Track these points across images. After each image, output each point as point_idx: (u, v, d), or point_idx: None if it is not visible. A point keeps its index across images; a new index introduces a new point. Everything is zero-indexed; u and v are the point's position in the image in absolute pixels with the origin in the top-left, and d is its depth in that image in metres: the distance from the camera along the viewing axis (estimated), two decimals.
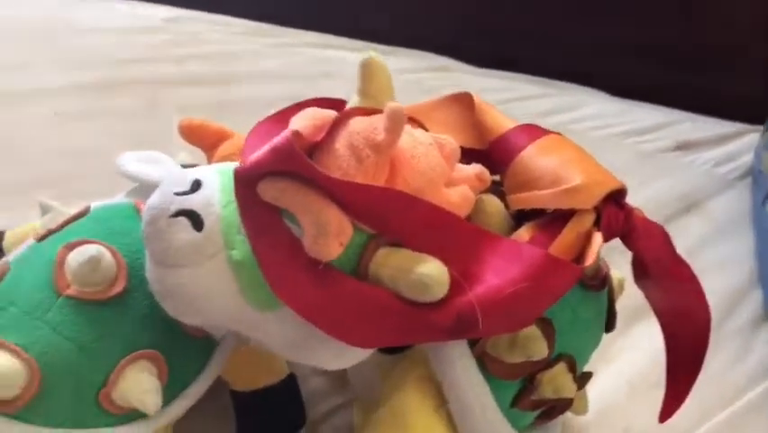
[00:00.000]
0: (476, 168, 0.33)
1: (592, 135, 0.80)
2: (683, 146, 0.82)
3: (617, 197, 0.34)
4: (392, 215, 0.29)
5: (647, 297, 0.39)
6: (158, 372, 0.35)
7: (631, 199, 0.75)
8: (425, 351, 0.34)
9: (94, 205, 0.39)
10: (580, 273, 0.31)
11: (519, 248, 0.30)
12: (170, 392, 0.37)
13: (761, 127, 0.82)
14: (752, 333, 0.61)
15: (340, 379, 0.48)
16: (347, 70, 0.77)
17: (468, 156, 0.35)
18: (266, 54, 0.79)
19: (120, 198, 0.42)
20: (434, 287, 0.28)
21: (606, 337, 0.58)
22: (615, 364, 0.56)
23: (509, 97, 0.81)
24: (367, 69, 0.33)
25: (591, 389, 0.53)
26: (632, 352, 0.56)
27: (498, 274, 0.29)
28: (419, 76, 0.80)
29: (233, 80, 0.72)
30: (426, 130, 0.33)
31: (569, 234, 0.32)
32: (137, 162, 0.42)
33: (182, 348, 0.37)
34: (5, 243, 0.45)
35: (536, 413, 0.39)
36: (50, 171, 0.59)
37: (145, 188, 0.41)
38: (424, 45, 0.89)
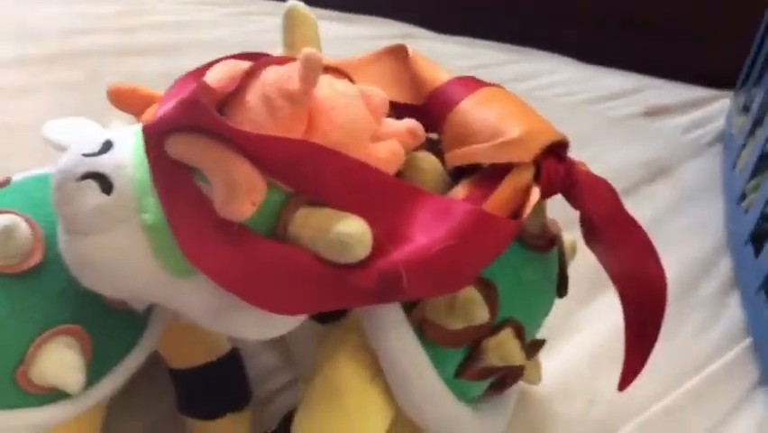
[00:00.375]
0: (408, 122, 0.31)
1: (560, 102, 0.79)
2: (652, 112, 0.80)
3: (557, 149, 0.32)
4: (310, 170, 0.27)
5: (599, 260, 0.37)
6: (81, 348, 0.33)
7: (598, 166, 0.73)
8: (359, 318, 0.33)
9: (15, 176, 0.37)
10: (514, 230, 0.29)
11: (449, 205, 0.28)
12: (97, 370, 0.35)
13: (731, 92, 0.81)
14: (721, 300, 0.60)
15: (288, 356, 0.46)
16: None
17: (404, 112, 0.33)
18: (221, 23, 0.76)
19: (47, 170, 0.39)
20: (355, 246, 0.26)
21: (568, 308, 0.57)
22: (578, 336, 0.54)
23: (474, 64, 0.79)
24: (290, 19, 0.31)
25: (554, 361, 0.52)
26: (595, 323, 0.55)
27: (425, 232, 0.27)
28: (379, 42, 0.78)
29: (181, 49, 0.70)
30: (353, 82, 0.31)
31: (506, 190, 0.30)
32: (62, 129, 0.40)
33: (108, 323, 0.35)
34: None
35: (486, 383, 0.38)
36: None
37: None
38: (392, 15, 0.87)
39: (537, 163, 0.31)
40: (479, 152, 0.31)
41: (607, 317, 0.55)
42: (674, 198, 0.68)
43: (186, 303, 0.29)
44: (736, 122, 0.74)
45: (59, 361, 0.32)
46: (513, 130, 0.31)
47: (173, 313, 0.38)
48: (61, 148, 0.39)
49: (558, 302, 0.56)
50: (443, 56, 0.82)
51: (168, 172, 0.28)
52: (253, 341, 0.47)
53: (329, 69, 0.30)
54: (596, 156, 0.71)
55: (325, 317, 0.34)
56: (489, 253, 0.28)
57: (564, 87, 0.82)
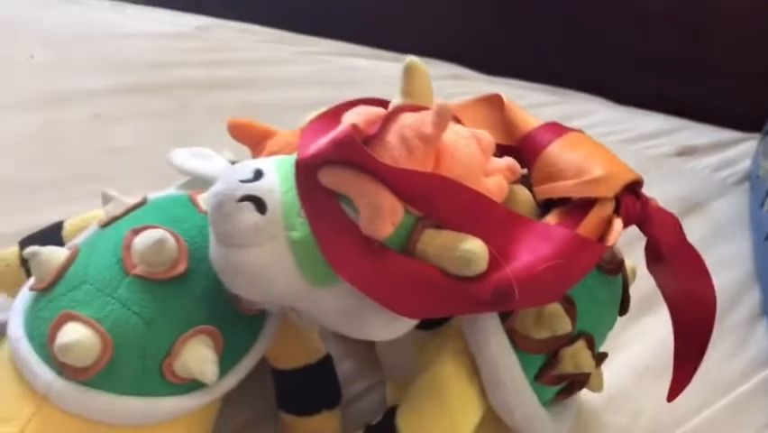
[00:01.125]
0: (507, 160, 0.37)
1: (602, 142, 0.84)
2: (684, 152, 0.86)
3: (634, 187, 0.38)
4: (437, 198, 0.32)
5: (658, 281, 0.42)
6: (214, 345, 0.39)
7: None
8: (459, 326, 0.38)
9: (150, 196, 0.43)
10: (603, 251, 0.35)
11: (549, 229, 0.34)
12: (224, 366, 0.40)
13: (758, 135, 0.86)
14: (749, 328, 0.65)
15: (369, 363, 0.51)
16: (371, 78, 0.81)
17: (499, 151, 0.39)
18: (293, 61, 0.83)
19: (173, 190, 0.45)
20: (476, 262, 0.31)
21: (617, 326, 0.62)
22: (625, 352, 0.59)
23: (522, 105, 0.85)
24: (410, 72, 0.37)
25: (604, 375, 0.57)
26: (641, 341, 0.60)
27: (531, 252, 0.33)
28: (438, 83, 0.84)
29: (259, 85, 0.76)
30: (463, 125, 0.37)
31: (592, 220, 0.35)
32: (189, 157, 0.46)
33: (235, 325, 0.40)
34: (65, 231, 0.48)
35: (557, 388, 0.43)
36: (91, 168, 0.62)
37: (196, 180, 0.45)
38: (438, 56, 0.93)
39: (617, 198, 0.37)
40: (567, 188, 0.36)
41: (650, 337, 0.59)
42: (706, 232, 0.73)
43: (322, 307, 0.35)
44: (763, 164, 0.79)
45: (199, 356, 0.37)
46: (597, 170, 0.36)
47: (285, 318, 0.43)
48: (188, 173, 0.45)
49: None
50: None
51: (317, 197, 0.33)
52: (346, 344, 0.52)
53: None
54: None
55: (427, 325, 0.40)
56: (582, 270, 0.34)
57: (603, 127, 0.87)
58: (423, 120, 0.32)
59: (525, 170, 0.40)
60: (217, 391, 0.40)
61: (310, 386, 0.46)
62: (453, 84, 0.86)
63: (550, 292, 0.33)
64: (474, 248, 0.31)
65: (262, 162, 0.37)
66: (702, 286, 0.40)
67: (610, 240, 0.35)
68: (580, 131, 0.40)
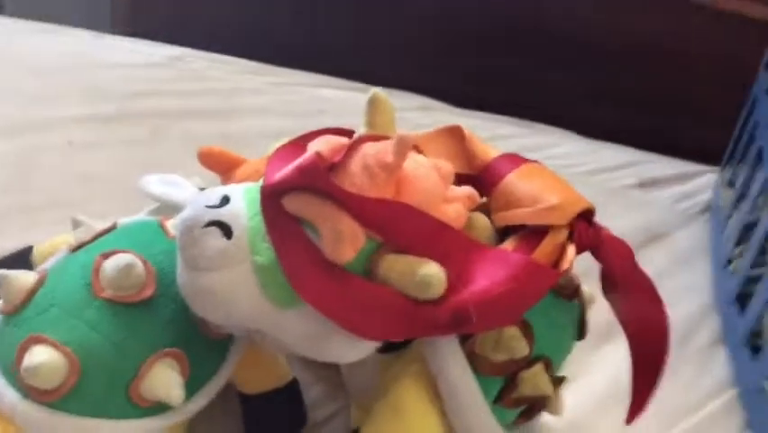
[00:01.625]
0: (466, 189, 0.38)
1: (563, 172, 0.85)
2: (646, 184, 0.88)
3: (587, 215, 0.39)
4: (398, 225, 0.34)
5: (613, 308, 0.44)
6: (180, 369, 0.39)
7: None
8: (420, 349, 0.39)
9: (120, 221, 0.44)
10: (557, 276, 0.36)
11: (505, 255, 0.35)
12: (191, 388, 0.41)
13: (717, 167, 0.89)
14: (709, 354, 0.66)
15: (337, 388, 0.52)
16: (340, 108, 0.83)
17: (459, 180, 0.40)
18: (264, 91, 0.84)
19: (143, 216, 0.46)
20: (435, 285, 0.33)
21: (579, 352, 0.63)
22: (587, 378, 0.60)
23: (486, 136, 0.86)
24: (374, 104, 0.38)
25: (570, 400, 0.58)
26: (602, 367, 0.61)
27: (487, 277, 0.34)
28: (406, 114, 0.86)
29: (231, 114, 0.77)
30: (425, 156, 0.39)
31: (547, 246, 0.37)
32: (160, 184, 0.47)
33: (201, 349, 0.41)
34: (34, 256, 0.49)
35: (517, 411, 0.44)
36: (63, 194, 0.62)
37: (166, 206, 0.46)
38: (409, 87, 0.95)
39: (571, 226, 0.39)
40: (524, 215, 0.38)
41: (611, 363, 0.60)
42: (667, 262, 0.75)
43: (286, 330, 0.36)
44: (722, 194, 0.82)
45: (165, 379, 0.38)
46: (552, 198, 0.38)
47: (254, 340, 0.44)
48: (158, 199, 0.46)
49: (576, 346, 0.62)
50: None
51: (282, 223, 0.34)
52: (314, 369, 0.53)
53: None
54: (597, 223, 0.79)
55: (389, 348, 0.41)
56: (536, 295, 0.35)
57: (567, 159, 0.89)
58: (384, 149, 0.34)
59: (484, 199, 0.41)
60: (183, 413, 0.41)
61: (276, 410, 0.47)
62: (421, 115, 0.88)
63: (506, 315, 0.35)
64: (432, 272, 0.33)
65: (230, 189, 0.38)
66: (655, 312, 0.41)
67: (564, 265, 0.36)
68: (537, 162, 0.42)
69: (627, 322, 0.43)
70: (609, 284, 0.42)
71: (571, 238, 0.38)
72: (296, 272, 0.34)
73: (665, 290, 0.72)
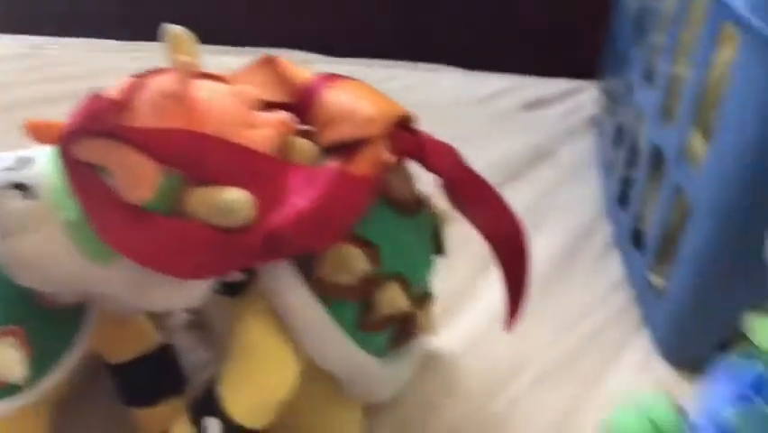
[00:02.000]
0: (280, 114, 0.37)
1: (446, 106, 0.86)
2: (530, 105, 0.89)
3: (406, 124, 0.39)
4: (195, 155, 0.32)
5: (467, 219, 0.43)
6: (21, 346, 0.38)
7: (484, 157, 0.81)
8: (261, 286, 0.38)
9: None
10: (371, 184, 0.36)
11: (315, 171, 0.34)
12: (40, 367, 0.39)
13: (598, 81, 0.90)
14: (603, 259, 0.67)
15: (221, 351, 0.51)
16: None
17: (281, 109, 0.39)
18: (130, 70, 0.81)
19: None
20: (238, 210, 0.32)
21: (470, 274, 0.63)
22: (480, 301, 0.61)
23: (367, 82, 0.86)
24: (172, 41, 0.37)
25: (462, 323, 0.59)
26: (494, 287, 0.61)
27: (300, 196, 0.34)
28: None
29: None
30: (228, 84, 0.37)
31: (364, 158, 0.36)
32: None
33: (44, 323, 0.39)
34: None
35: (386, 334, 0.43)
36: None
37: None
38: (288, 43, 0.93)
39: (391, 137, 0.38)
40: (339, 131, 0.37)
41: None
42: (555, 177, 0.76)
43: (110, 285, 0.35)
44: (599, 102, 0.83)
45: (3, 357, 0.37)
46: (367, 110, 0.37)
47: (104, 310, 0.43)
48: None
49: (461, 272, 0.62)
50: None
51: (79, 173, 0.33)
52: (195, 333, 0.52)
53: (207, 75, 0.36)
54: (481, 149, 0.77)
55: (233, 290, 0.40)
56: (351, 206, 0.35)
57: (448, 93, 0.89)
58: (168, 80, 0.33)
59: (310, 127, 0.40)
60: (36, 391, 0.39)
61: (148, 376, 0.46)
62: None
63: (325, 232, 0.34)
64: (235, 197, 0.32)
65: (34, 150, 0.36)
66: (498, 209, 0.41)
67: (380, 173, 0.36)
68: (353, 78, 0.41)
69: (482, 231, 0.43)
70: (448, 194, 0.41)
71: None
72: (100, 222, 0.32)
73: (556, 204, 0.73)
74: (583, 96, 0.91)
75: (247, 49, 0.90)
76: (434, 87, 0.90)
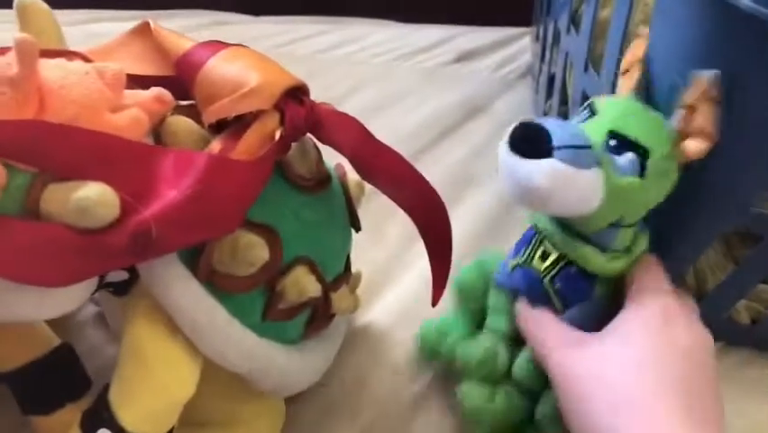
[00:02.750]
0: (154, 91, 0.33)
1: (376, 62, 0.82)
2: (463, 57, 0.85)
3: (298, 94, 0.35)
4: (46, 147, 0.28)
5: (381, 191, 0.40)
6: None
7: (416, 114, 0.77)
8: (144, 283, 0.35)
9: None
10: (256, 169, 0.32)
11: (190, 157, 0.30)
12: None
13: (531, 29, 0.87)
14: None
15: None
16: None
17: (159, 84, 0.35)
18: None
19: None
20: (95, 208, 0.28)
21: (400, 246, 0.60)
22: (413, 269, 0.58)
23: (288, 39, 0.81)
24: (21, 12, 0.32)
25: (393, 293, 0.56)
26: (425, 257, 0.59)
27: (172, 186, 0.30)
28: (198, 33, 0.79)
29: None
30: (89, 62, 0.33)
31: (251, 136, 0.33)
32: None
33: None
34: None
35: (300, 321, 0.40)
36: None
37: None
38: (205, 4, 0.88)
39: (281, 110, 0.34)
40: (224, 107, 0.33)
41: None
42: (490, 131, 0.73)
43: None
44: (533, 50, 0.80)
45: None
46: (251, 81, 0.33)
47: None
48: None
49: (391, 242, 0.59)
50: (258, 37, 0.83)
51: None
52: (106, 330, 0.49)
53: (61, 53, 0.32)
54: (413, 106, 0.75)
55: (119, 290, 0.36)
56: (237, 193, 0.31)
57: (378, 48, 0.84)
58: (8, 62, 0.28)
59: (191, 102, 0.36)
60: None
61: (43, 382, 0.42)
62: (216, 32, 0.81)
63: (203, 224, 0.30)
64: (90, 194, 0.28)
65: None
66: (411, 182, 0.38)
67: (265, 153, 0.32)
68: (240, 45, 0.36)
69: (399, 202, 0.40)
70: (354, 167, 0.38)
71: (283, 123, 0.34)
72: None
73: (492, 159, 0.71)
74: (519, 45, 0.88)
75: (165, 12, 0.84)
76: (362, 43, 0.85)
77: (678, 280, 0.49)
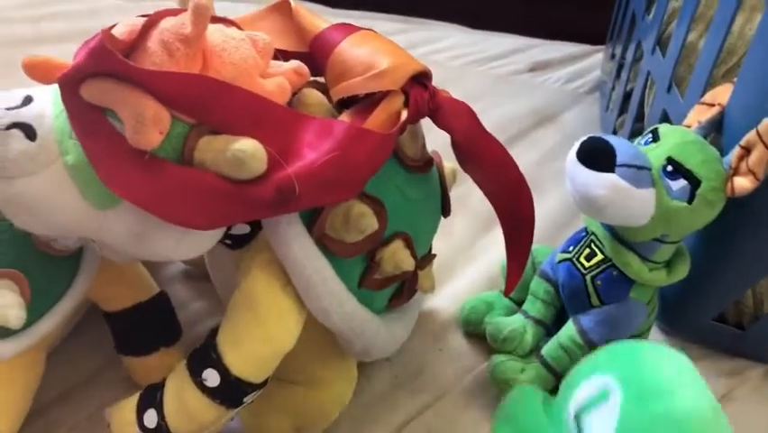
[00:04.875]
0: (293, 63, 0.36)
1: (451, 65, 0.85)
2: (536, 68, 0.87)
3: (423, 80, 0.38)
4: (207, 102, 0.31)
5: (474, 179, 0.42)
6: (20, 290, 0.37)
7: (488, 118, 0.80)
8: (266, 238, 0.37)
9: None
10: (386, 141, 0.34)
11: (330, 124, 0.33)
12: (37, 310, 0.39)
13: (604, 47, 0.89)
14: None
15: (219, 303, 0.51)
16: None
17: (293, 58, 0.38)
18: (129, 9, 0.79)
19: None
20: (249, 161, 0.31)
21: (469, 237, 0.63)
22: (476, 263, 0.61)
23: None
24: None
25: (458, 282, 0.59)
26: (490, 251, 0.61)
27: (312, 149, 0.33)
28: None
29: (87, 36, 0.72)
30: (241, 30, 0.36)
31: (380, 114, 0.35)
32: None
33: (43, 268, 0.39)
34: None
35: (388, 293, 0.43)
36: None
37: None
38: None
39: (406, 92, 0.37)
40: (354, 85, 0.36)
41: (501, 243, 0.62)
42: (558, 141, 0.75)
43: (111, 232, 0.34)
44: (604, 68, 0.82)
45: (1, 300, 0.36)
46: (382, 63, 0.36)
47: (102, 257, 0.42)
48: None
49: (459, 233, 0.62)
50: None
51: (84, 115, 0.31)
52: (193, 285, 0.51)
53: (220, 20, 0.35)
54: (485, 110, 0.77)
55: (237, 243, 0.39)
56: (363, 161, 0.33)
57: (454, 51, 0.87)
58: (182, 22, 0.31)
59: (322, 79, 0.39)
60: (33, 336, 0.39)
61: (143, 325, 0.45)
62: None
63: (337, 186, 0.33)
64: (246, 147, 0.31)
65: (36, 89, 0.35)
66: (507, 170, 0.40)
67: (395, 129, 0.35)
68: (369, 29, 0.39)
69: (487, 192, 0.42)
70: (458, 152, 0.40)
71: (407, 105, 0.37)
72: (103, 165, 0.31)
73: (557, 169, 0.73)
74: (589, 61, 0.90)
75: None
76: (437, 45, 0.88)
77: (736, 301, 0.52)
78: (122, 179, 0.31)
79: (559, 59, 0.89)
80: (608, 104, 0.76)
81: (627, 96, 0.69)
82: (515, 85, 0.83)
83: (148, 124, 0.30)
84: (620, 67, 0.73)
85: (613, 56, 0.78)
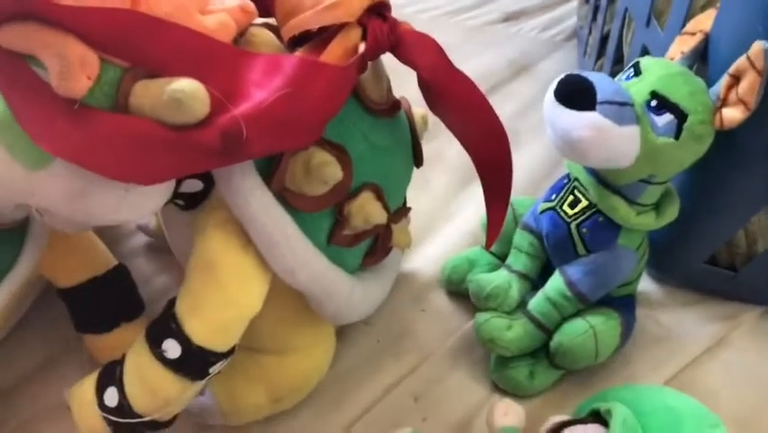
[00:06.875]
0: (238, 0, 0.33)
1: (422, 17, 0.81)
2: (510, 17, 0.84)
3: (381, 10, 0.34)
4: (140, 41, 0.28)
5: (446, 124, 0.39)
6: None
7: (462, 70, 0.76)
8: (220, 195, 0.34)
9: None
10: (343, 74, 0.31)
11: (279, 60, 0.30)
12: None
13: None
14: None
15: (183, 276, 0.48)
16: None
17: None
18: None
19: None
20: (188, 101, 0.27)
21: (446, 196, 0.60)
22: (456, 220, 0.58)
23: None
24: None
25: (436, 243, 0.56)
26: (469, 207, 0.59)
27: (261, 88, 0.29)
28: None
29: None
30: None
31: (335, 49, 0.32)
32: None
33: None
34: None
35: (361, 250, 0.40)
36: None
37: None
38: None
39: (363, 25, 0.34)
40: (306, 19, 0.33)
41: (479, 201, 0.59)
42: (535, 92, 0.73)
43: (47, 194, 0.30)
44: (579, 13, 0.79)
45: None
46: None
47: (51, 229, 0.39)
48: None
49: (436, 190, 0.59)
50: None
51: (3, 64, 0.28)
52: (157, 259, 0.49)
53: None
54: (459, 63, 0.73)
55: (190, 203, 0.36)
56: (324, 100, 0.30)
57: (423, 3, 0.84)
58: None
59: (273, 20, 0.36)
60: None
61: (101, 300, 0.42)
62: None
63: (290, 129, 0.30)
64: (184, 86, 0.27)
65: None
66: (480, 111, 0.37)
67: (352, 60, 0.32)
68: None
69: (459, 134, 0.39)
70: (425, 90, 0.37)
71: (365, 38, 0.33)
72: (28, 118, 0.28)
73: (536, 119, 0.70)
74: (565, 8, 0.87)
75: None
76: None
77: (728, 243, 0.50)
78: (50, 133, 0.28)
79: (533, 8, 0.86)
80: (585, 49, 0.73)
81: (605, 40, 0.66)
82: (488, 36, 0.80)
83: (74, 68, 0.27)
84: (596, 9, 0.70)
85: (587, 0, 0.75)
